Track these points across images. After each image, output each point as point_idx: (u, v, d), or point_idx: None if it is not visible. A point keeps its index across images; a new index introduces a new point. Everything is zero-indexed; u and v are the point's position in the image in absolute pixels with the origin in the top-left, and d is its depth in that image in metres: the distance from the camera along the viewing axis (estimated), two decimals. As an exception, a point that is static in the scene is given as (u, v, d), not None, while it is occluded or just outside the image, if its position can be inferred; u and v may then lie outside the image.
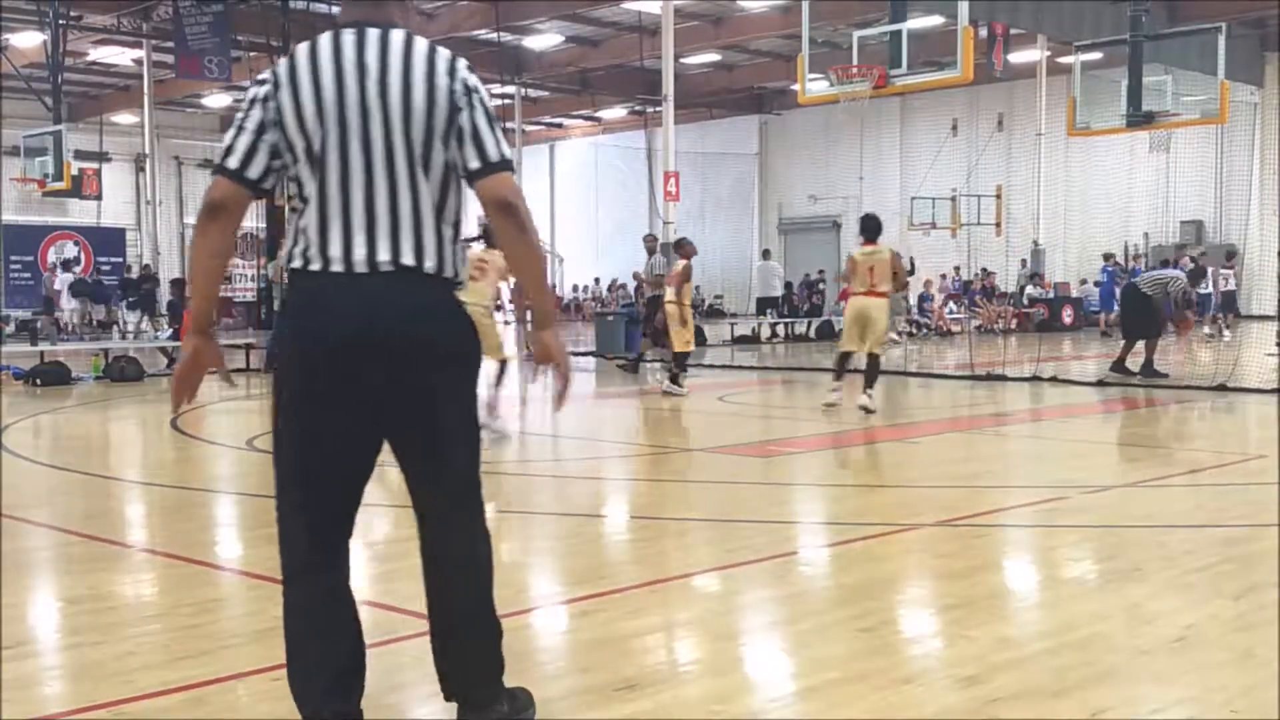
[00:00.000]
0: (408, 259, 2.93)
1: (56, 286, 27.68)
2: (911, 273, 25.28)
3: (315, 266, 2.95)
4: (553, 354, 3.09)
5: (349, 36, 2.99)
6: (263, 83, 3.01)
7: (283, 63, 3.02)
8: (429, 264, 2.95)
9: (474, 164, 2.95)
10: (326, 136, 2.94)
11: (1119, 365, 14.32)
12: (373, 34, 2.99)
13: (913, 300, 26.77)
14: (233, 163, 2.96)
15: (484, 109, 2.99)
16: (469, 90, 2.98)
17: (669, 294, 13.66)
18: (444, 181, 2.98)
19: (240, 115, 3.00)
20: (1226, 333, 23.18)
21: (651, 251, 16.54)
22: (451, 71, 2.99)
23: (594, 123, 41.80)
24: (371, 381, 2.94)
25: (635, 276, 17.47)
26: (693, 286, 13.30)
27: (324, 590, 3.07)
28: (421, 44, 3.01)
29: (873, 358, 11.39)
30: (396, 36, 3.00)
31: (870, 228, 11.69)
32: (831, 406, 11.38)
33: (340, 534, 3.12)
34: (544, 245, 3.05)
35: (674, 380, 13.45)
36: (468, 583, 3.18)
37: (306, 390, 2.99)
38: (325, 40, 3.00)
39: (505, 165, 2.96)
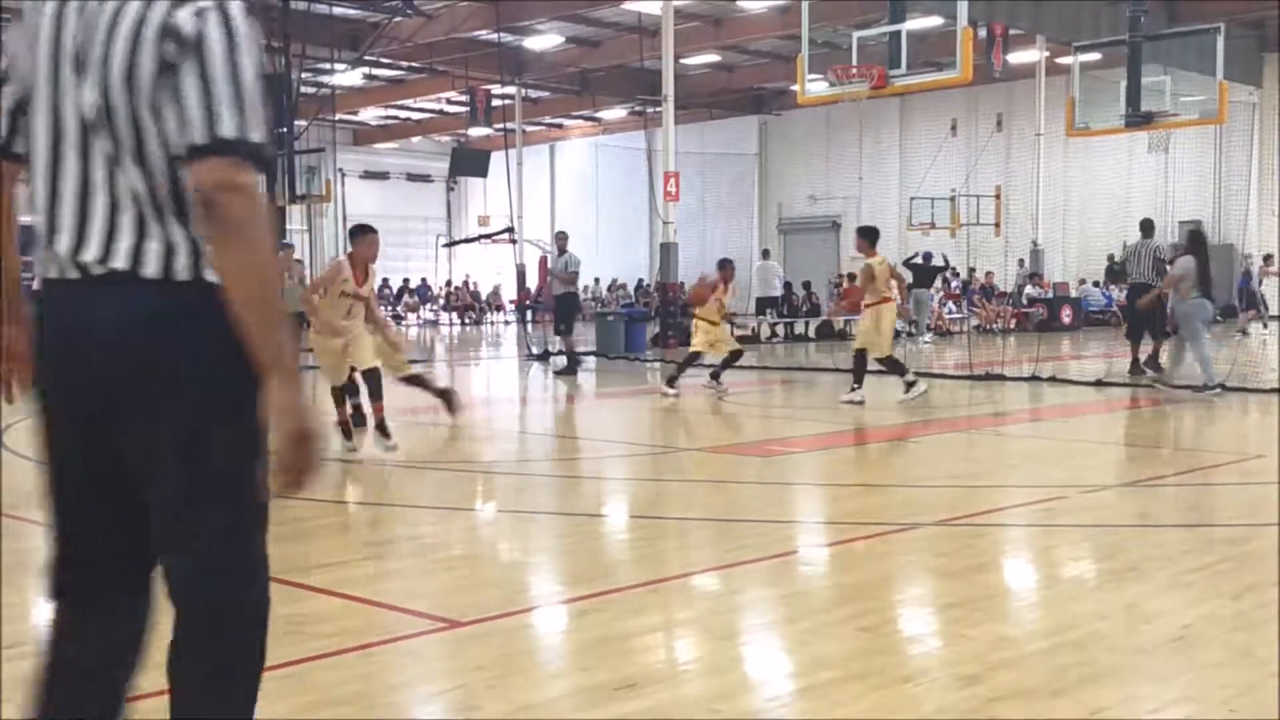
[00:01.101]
0: (120, 261, 2.20)
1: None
2: (946, 267, 25.70)
3: (35, 267, 2.34)
4: (280, 416, 2.17)
5: None
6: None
7: None
8: (150, 269, 2.20)
9: (180, 150, 2.16)
10: (38, 93, 2.26)
11: (1137, 366, 14.35)
12: None
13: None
14: None
15: (201, 65, 2.14)
16: (181, 40, 2.15)
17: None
18: (174, 160, 2.21)
19: None
20: (1255, 328, 23.52)
21: (562, 250, 16.86)
22: (171, 8, 2.17)
23: (594, 123, 41.81)
24: (89, 416, 2.29)
25: (550, 273, 17.66)
26: (718, 300, 13.32)
27: (66, 656, 2.39)
28: None
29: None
30: None
31: (876, 237, 12.35)
32: (859, 404, 11.79)
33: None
34: (272, 266, 2.18)
35: (670, 381, 13.33)
36: None
37: (39, 421, 2.41)
38: None
39: (219, 147, 2.12)
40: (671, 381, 13.22)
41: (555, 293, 17.06)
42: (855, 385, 11.95)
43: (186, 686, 2.34)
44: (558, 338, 17.18)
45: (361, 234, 9.00)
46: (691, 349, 13.50)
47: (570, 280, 16.87)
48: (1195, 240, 12.89)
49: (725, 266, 13.59)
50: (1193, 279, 12.33)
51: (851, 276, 29.40)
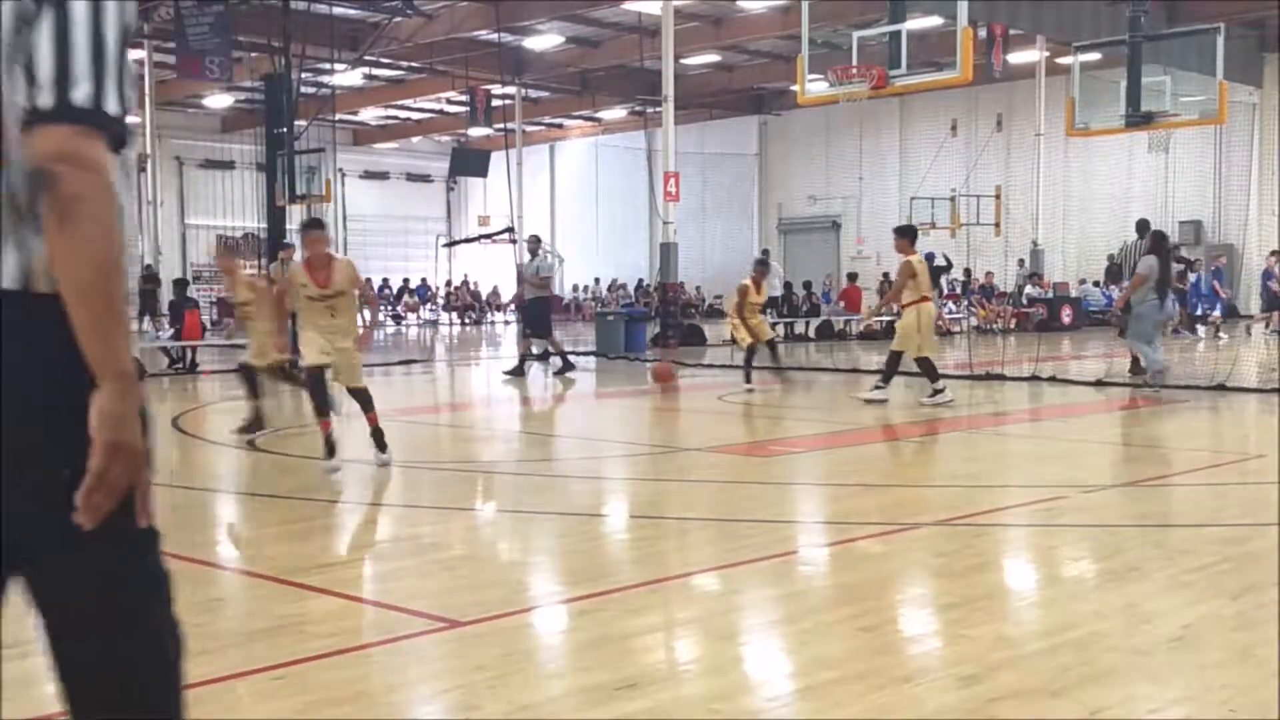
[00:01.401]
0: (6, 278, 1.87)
1: None
2: (949, 268, 25.71)
3: None
4: (102, 423, 1.81)
5: None
6: None
7: None
8: (6, 279, 1.86)
9: (19, 113, 1.82)
10: None
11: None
12: None
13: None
14: None
15: (60, 22, 1.82)
16: None
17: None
18: None
19: None
20: (1259, 330, 23.69)
21: (534, 253, 16.72)
22: None
23: (594, 123, 41.82)
24: None
25: (521, 277, 17.42)
26: (751, 301, 13.72)
27: None
28: None
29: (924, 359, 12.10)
30: None
31: (915, 236, 12.47)
32: (881, 403, 11.79)
33: None
34: (118, 253, 1.82)
35: (747, 378, 14.10)
36: None
37: None
38: None
39: (67, 115, 1.79)
40: (749, 377, 13.92)
41: (527, 297, 16.89)
42: (880, 384, 11.90)
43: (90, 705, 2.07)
44: (538, 341, 17.06)
45: (302, 233, 8.49)
46: (744, 346, 14.10)
47: (543, 285, 16.71)
48: (1157, 240, 12.92)
49: (758, 268, 13.93)
50: (1154, 279, 12.33)
51: (853, 276, 29.51)
